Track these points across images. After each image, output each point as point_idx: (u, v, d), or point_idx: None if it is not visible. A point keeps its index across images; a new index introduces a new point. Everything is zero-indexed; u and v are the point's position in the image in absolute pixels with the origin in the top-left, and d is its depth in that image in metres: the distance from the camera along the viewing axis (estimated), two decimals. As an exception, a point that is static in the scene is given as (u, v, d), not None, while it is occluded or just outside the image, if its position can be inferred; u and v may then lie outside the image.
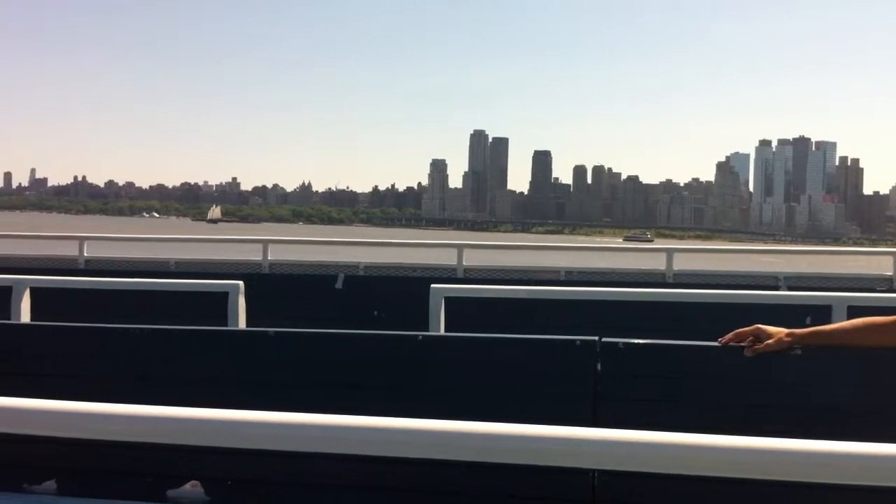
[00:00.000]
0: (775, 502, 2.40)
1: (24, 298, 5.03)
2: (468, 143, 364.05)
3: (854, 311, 4.32)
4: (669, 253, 8.45)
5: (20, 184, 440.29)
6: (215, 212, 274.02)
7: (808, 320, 4.30)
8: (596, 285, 6.73)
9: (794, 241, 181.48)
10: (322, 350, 3.06)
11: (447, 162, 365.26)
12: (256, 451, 2.17)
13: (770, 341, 2.58)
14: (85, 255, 9.12)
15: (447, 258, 9.20)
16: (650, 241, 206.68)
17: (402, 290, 7.06)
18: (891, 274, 8.55)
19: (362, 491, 2.66)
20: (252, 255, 9.41)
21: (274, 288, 7.48)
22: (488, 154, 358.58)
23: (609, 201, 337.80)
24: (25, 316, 5.00)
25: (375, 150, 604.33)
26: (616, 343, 2.73)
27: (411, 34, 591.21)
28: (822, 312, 4.52)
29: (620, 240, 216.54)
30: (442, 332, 4.44)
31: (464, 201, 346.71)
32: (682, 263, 8.64)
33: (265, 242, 9.14)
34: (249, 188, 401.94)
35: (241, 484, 2.76)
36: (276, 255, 9.29)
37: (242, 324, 4.87)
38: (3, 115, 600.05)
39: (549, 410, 2.59)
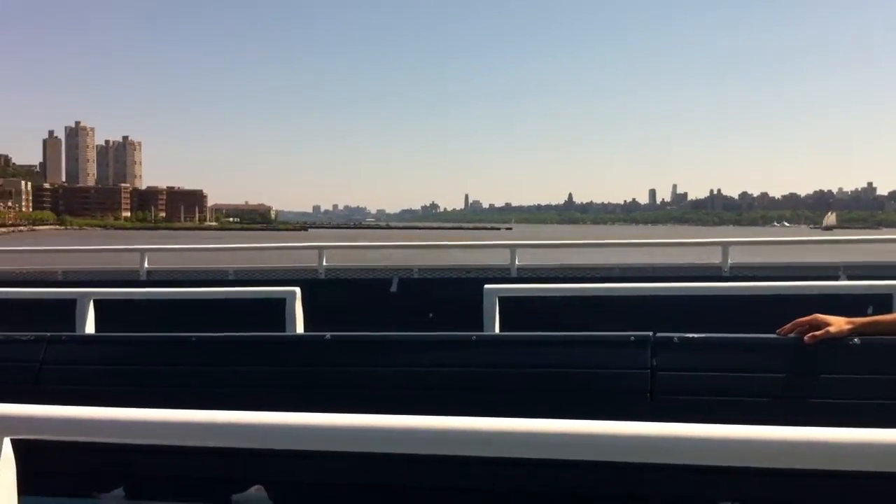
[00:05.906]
0: (826, 494, 2.35)
1: (88, 311, 5.13)
2: None
3: None
4: (725, 246, 8.23)
5: (663, 199, 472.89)
6: (830, 219, 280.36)
7: (869, 310, 4.27)
8: (650, 281, 6.90)
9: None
10: (378, 353, 3.09)
11: None
12: (318, 454, 2.24)
13: (830, 328, 2.52)
14: (146, 266, 9.20)
15: (501, 258, 9.17)
16: None
17: (456, 292, 7.10)
18: None
19: (424, 492, 2.67)
20: (309, 261, 9.49)
21: (330, 293, 7.68)
22: None
23: None
24: (90, 327, 5.10)
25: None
26: (671, 338, 2.72)
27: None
28: (884, 302, 4.40)
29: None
30: (497, 331, 4.45)
31: None
32: (738, 256, 8.51)
33: (320, 248, 9.21)
34: (885, 192, 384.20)
35: (303, 487, 2.80)
36: (332, 260, 9.37)
37: (300, 329, 4.95)
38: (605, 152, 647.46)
39: (605, 406, 2.57)
